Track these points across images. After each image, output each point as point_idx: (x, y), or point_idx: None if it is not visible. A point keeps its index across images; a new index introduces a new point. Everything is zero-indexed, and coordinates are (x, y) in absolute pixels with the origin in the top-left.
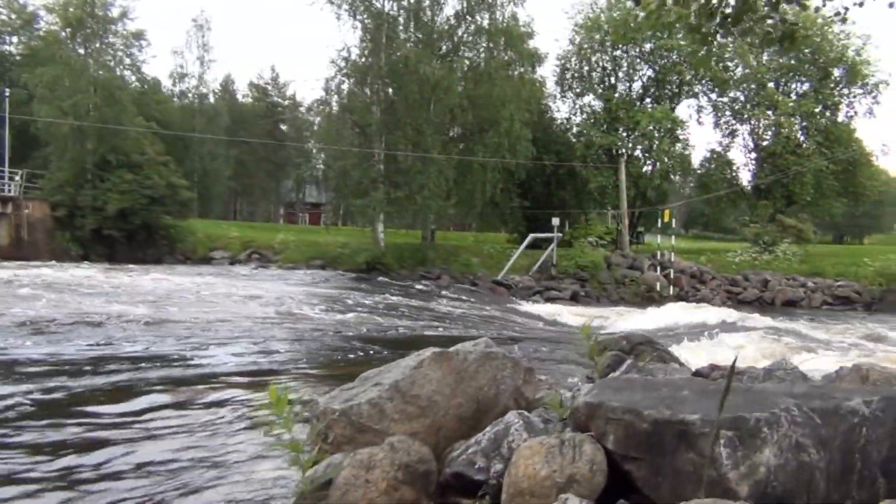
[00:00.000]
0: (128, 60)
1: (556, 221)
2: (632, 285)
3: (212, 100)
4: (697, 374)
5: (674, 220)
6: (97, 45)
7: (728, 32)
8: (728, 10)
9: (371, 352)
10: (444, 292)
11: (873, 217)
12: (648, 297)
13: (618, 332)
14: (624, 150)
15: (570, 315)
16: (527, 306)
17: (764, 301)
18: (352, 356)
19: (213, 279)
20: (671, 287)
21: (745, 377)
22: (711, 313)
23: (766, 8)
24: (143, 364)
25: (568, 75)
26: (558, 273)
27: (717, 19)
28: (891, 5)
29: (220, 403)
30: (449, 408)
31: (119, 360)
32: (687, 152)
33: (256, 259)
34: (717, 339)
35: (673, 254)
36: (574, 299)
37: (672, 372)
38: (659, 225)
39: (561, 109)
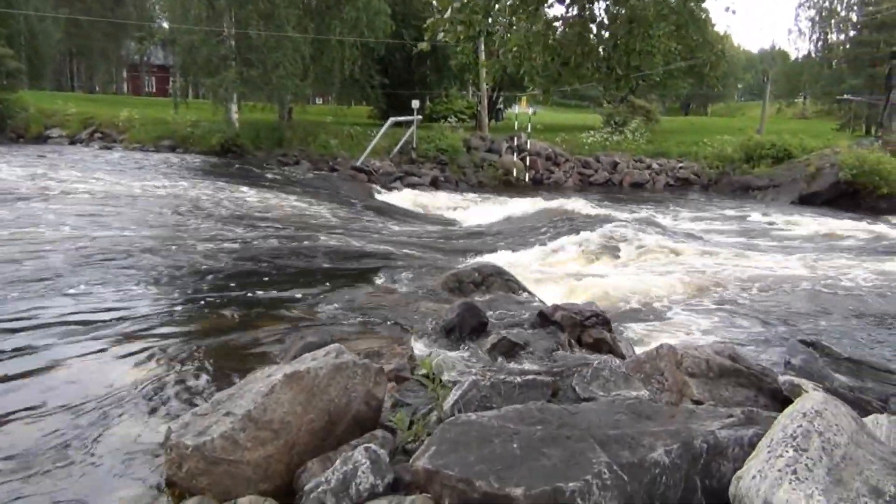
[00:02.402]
0: None
1: (415, 104)
2: (490, 169)
3: None
4: (541, 315)
5: (530, 108)
6: None
7: (569, 76)
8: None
9: (226, 289)
10: (302, 180)
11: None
12: (506, 182)
13: (470, 264)
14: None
15: (431, 204)
16: (387, 195)
17: (612, 183)
18: (206, 296)
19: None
20: (527, 171)
21: (576, 377)
22: (562, 206)
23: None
24: None
25: None
26: (418, 157)
27: (559, 62)
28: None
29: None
30: (301, 425)
31: None
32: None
33: (99, 139)
34: (565, 249)
35: (528, 140)
36: (434, 185)
37: (518, 307)
38: (516, 109)
39: None
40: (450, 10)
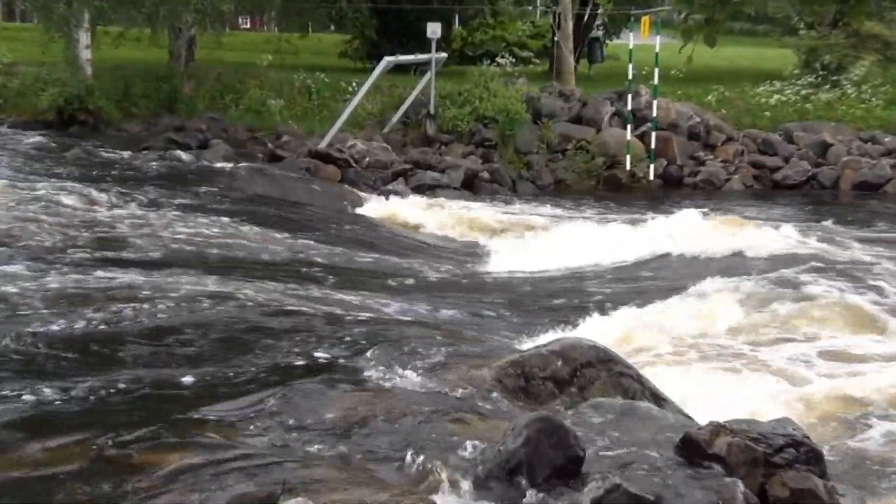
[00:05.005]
0: None
1: (433, 31)
2: (579, 156)
3: None
4: (688, 442)
5: (658, 35)
6: None
7: None
8: None
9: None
10: (216, 178)
11: None
12: (610, 180)
13: (547, 344)
14: None
15: (464, 223)
16: (378, 206)
17: (818, 183)
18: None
19: None
20: (652, 160)
21: None
22: (723, 230)
23: None
24: None
25: None
26: (439, 133)
27: None
28: None
29: None
30: None
31: None
32: None
33: None
34: (726, 313)
35: (654, 101)
36: (470, 187)
37: (641, 426)
38: (630, 40)
39: None
40: None
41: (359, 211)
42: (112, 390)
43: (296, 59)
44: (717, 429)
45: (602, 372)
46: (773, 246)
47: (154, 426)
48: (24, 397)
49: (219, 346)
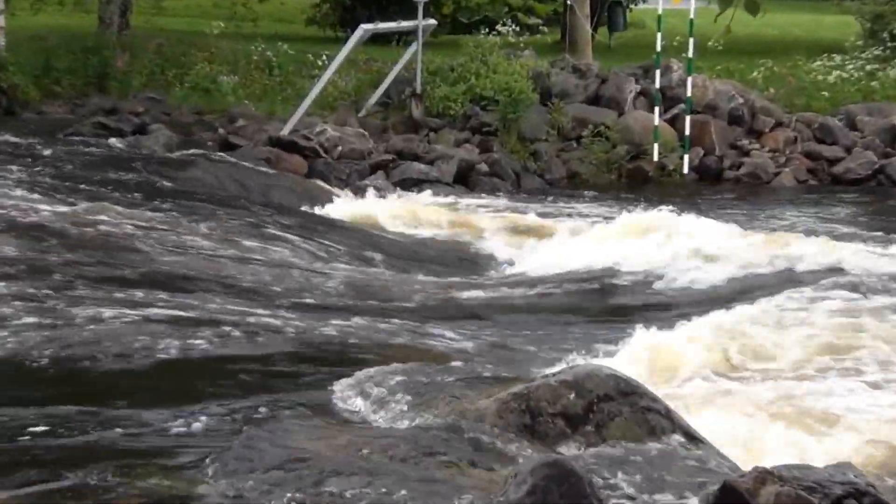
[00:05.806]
0: None
1: None
2: (597, 145)
3: None
4: (728, 492)
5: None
6: None
7: None
8: None
9: None
10: (157, 172)
11: None
12: (634, 173)
13: (557, 373)
14: None
15: (456, 227)
16: (353, 205)
17: (888, 178)
18: None
19: None
20: (685, 149)
21: None
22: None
23: None
24: None
25: None
26: (427, 116)
27: None
28: None
29: None
30: None
31: None
32: None
33: None
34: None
35: (689, 77)
36: (463, 182)
37: (672, 470)
38: (660, 4)
39: None
40: None
41: (329, 211)
42: (46, 430)
43: (253, 26)
44: (763, 476)
45: (624, 406)
46: (830, 259)
47: (96, 472)
48: None
49: (166, 379)
